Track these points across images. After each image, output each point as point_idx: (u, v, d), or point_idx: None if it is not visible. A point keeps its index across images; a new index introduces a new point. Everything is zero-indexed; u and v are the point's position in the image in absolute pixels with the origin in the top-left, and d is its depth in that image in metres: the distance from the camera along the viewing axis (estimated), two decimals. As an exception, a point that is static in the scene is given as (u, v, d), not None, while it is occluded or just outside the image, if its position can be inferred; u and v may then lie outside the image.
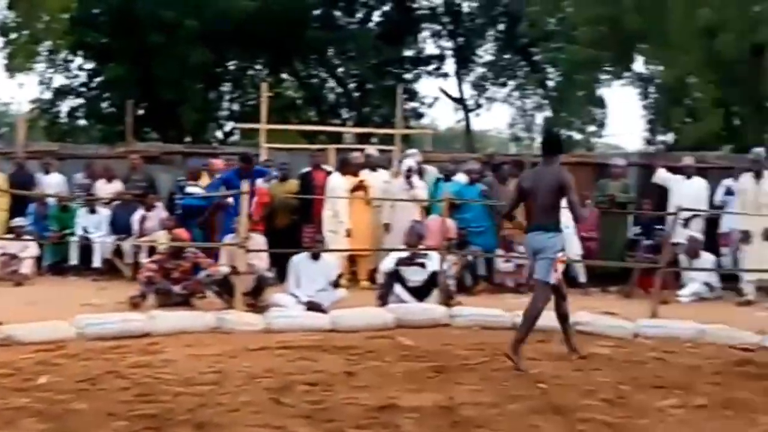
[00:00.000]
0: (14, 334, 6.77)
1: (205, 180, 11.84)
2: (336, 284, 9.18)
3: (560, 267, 6.45)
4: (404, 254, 9.23)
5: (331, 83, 26.11)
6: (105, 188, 12.29)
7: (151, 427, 4.54)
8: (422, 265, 9.12)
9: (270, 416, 4.82)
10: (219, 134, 26.34)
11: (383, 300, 8.85)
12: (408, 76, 25.08)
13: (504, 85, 26.56)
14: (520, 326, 6.43)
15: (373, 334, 7.54)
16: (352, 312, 8.10)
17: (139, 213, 11.53)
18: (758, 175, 10.71)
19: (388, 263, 9.28)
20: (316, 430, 4.57)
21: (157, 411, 4.85)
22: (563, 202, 6.36)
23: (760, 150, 11.11)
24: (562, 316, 6.70)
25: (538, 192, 6.36)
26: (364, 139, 16.68)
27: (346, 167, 11.49)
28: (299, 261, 9.16)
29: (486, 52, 26.40)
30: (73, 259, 11.77)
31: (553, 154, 6.55)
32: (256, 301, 9.04)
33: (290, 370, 6.02)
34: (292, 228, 11.09)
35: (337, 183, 11.19)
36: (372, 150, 12.56)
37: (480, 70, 26.66)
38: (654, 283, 9.10)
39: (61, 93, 23.24)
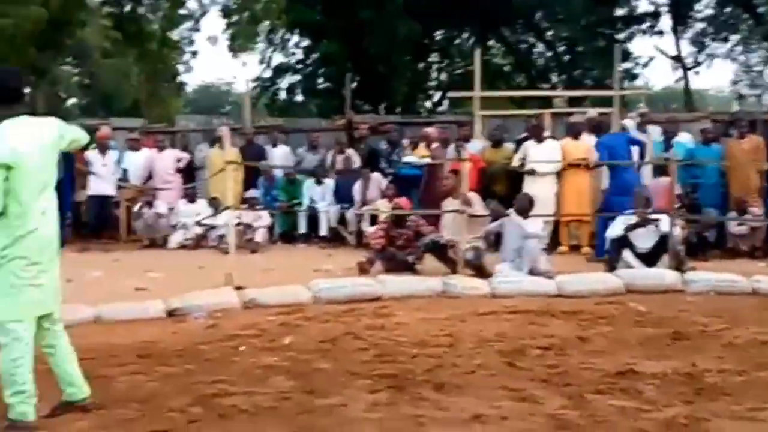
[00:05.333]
0: (257, 298, 7.24)
1: (421, 150, 12.00)
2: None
3: None
4: (632, 219, 8.92)
5: (540, 48, 25.58)
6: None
7: (393, 386, 4.66)
8: (656, 227, 8.78)
9: (506, 379, 4.82)
10: (428, 104, 26.61)
11: (612, 266, 8.62)
12: (621, 36, 24.08)
13: (725, 40, 24.91)
14: None
15: (602, 299, 7.38)
16: (578, 277, 7.97)
17: (359, 183, 11.88)
18: None
19: (616, 229, 9.02)
20: (554, 394, 4.51)
21: (396, 371, 4.98)
22: None
23: None
24: None
25: None
26: (575, 102, 16.24)
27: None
28: (505, 225, 9.02)
29: (705, 6, 24.87)
30: (302, 228, 12.35)
31: None
32: (477, 267, 9.03)
33: (521, 334, 6.01)
34: (511, 195, 10.99)
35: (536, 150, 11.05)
36: (593, 112, 12.16)
37: (699, 25, 25.17)
38: None
39: (280, 70, 24.31)
